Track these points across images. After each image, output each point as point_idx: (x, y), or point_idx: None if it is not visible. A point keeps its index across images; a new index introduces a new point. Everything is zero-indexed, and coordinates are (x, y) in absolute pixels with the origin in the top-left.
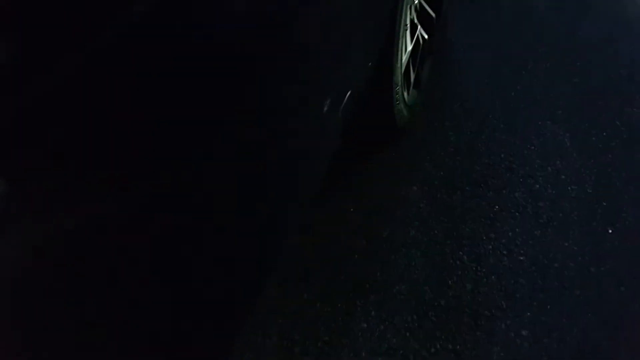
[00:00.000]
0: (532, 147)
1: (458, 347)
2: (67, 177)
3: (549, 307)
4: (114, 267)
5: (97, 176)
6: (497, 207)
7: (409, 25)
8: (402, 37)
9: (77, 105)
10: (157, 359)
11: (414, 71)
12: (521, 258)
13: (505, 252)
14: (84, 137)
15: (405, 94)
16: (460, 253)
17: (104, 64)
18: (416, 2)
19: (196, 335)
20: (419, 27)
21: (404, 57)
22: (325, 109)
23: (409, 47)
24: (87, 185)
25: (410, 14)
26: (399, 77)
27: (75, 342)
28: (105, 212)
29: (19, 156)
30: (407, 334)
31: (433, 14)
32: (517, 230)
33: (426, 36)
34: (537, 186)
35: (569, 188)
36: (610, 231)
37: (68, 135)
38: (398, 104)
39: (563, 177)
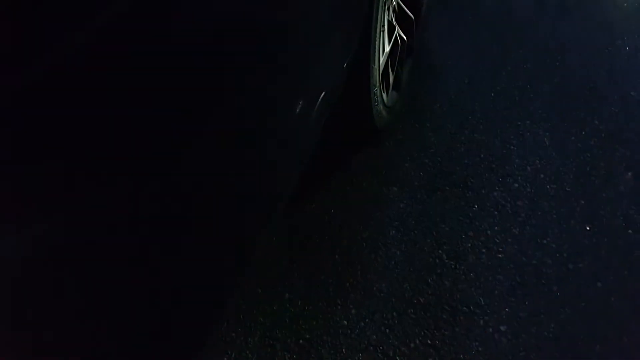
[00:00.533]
0: (512, 147)
1: (437, 342)
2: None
3: (527, 303)
4: (89, 267)
5: (72, 173)
6: (476, 206)
7: (386, 27)
8: (379, 38)
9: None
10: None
11: (392, 72)
12: (500, 256)
13: (484, 250)
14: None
15: (384, 95)
16: (440, 252)
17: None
18: (394, 3)
19: (176, 334)
20: (397, 28)
21: (382, 58)
22: (298, 109)
23: (387, 48)
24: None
25: (388, 15)
26: (376, 78)
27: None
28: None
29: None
30: (387, 331)
31: (412, 16)
32: (495, 228)
33: (405, 38)
34: (516, 185)
35: (548, 187)
36: (587, 228)
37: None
38: (377, 105)
39: (542, 176)
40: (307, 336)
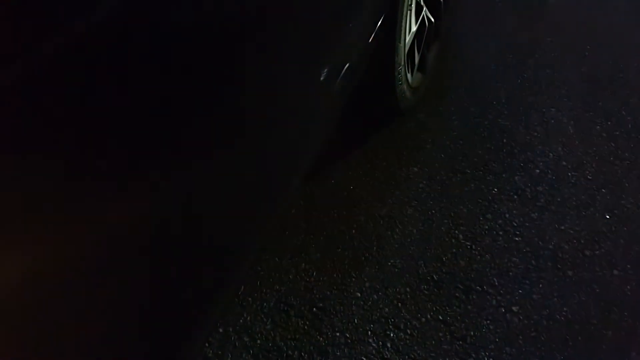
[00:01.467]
0: (535, 134)
1: (448, 318)
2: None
3: (540, 285)
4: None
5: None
6: (495, 190)
7: (414, 7)
8: (406, 16)
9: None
10: (155, 317)
11: (418, 53)
12: (516, 239)
13: (501, 233)
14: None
15: (409, 75)
16: (456, 232)
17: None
18: None
19: (193, 294)
20: (425, 9)
21: (408, 38)
22: (322, 77)
23: (414, 28)
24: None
25: None
26: (402, 57)
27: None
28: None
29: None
30: (399, 305)
31: None
32: (514, 212)
33: (433, 19)
34: (537, 171)
35: (569, 174)
36: (607, 217)
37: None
38: (401, 84)
39: (564, 163)
40: (321, 305)
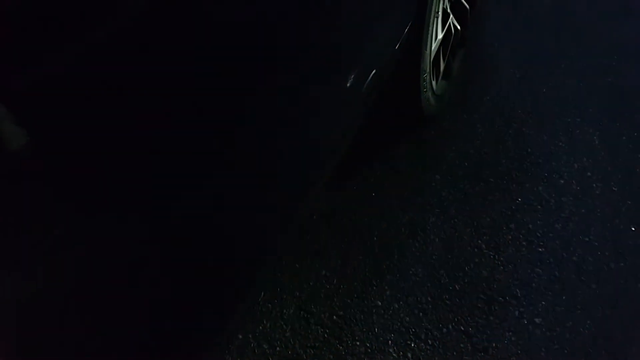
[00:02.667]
0: (560, 144)
1: (470, 329)
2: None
3: (564, 298)
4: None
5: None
6: (519, 199)
7: (440, 14)
8: (432, 24)
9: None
10: (174, 325)
11: (444, 61)
12: (540, 250)
13: (524, 243)
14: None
15: (434, 82)
16: (479, 241)
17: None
18: None
19: (214, 301)
20: (451, 17)
21: (434, 45)
22: (349, 83)
23: (440, 36)
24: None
25: (443, 3)
26: (427, 64)
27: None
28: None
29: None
30: (420, 314)
31: (467, 6)
32: (538, 222)
33: (459, 27)
34: (562, 182)
35: (594, 185)
36: (633, 229)
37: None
38: (425, 91)
39: (589, 174)
40: (341, 313)
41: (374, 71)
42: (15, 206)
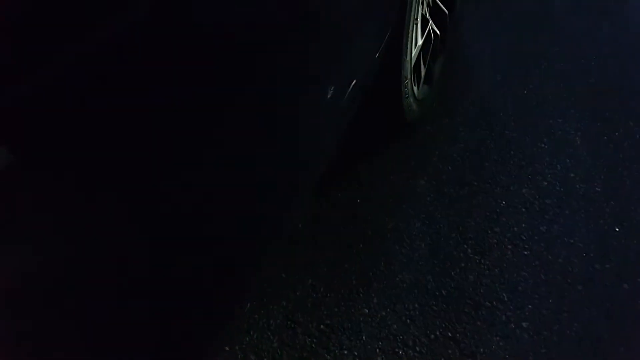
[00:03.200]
0: (542, 145)
1: (458, 335)
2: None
3: (550, 301)
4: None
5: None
6: (504, 202)
7: (419, 20)
8: (412, 31)
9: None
10: (161, 338)
11: (424, 66)
12: (525, 252)
13: (509, 247)
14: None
15: (415, 88)
16: (465, 246)
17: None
18: None
19: (199, 314)
20: (431, 22)
21: (414, 52)
22: (329, 95)
23: (420, 42)
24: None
25: (422, 8)
26: (408, 70)
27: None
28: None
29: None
30: (408, 321)
31: (446, 10)
32: (522, 225)
33: (438, 32)
34: (545, 183)
35: (578, 186)
36: (617, 229)
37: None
38: (407, 97)
39: (572, 175)
40: (328, 322)
41: (354, 81)
42: (17, 205)
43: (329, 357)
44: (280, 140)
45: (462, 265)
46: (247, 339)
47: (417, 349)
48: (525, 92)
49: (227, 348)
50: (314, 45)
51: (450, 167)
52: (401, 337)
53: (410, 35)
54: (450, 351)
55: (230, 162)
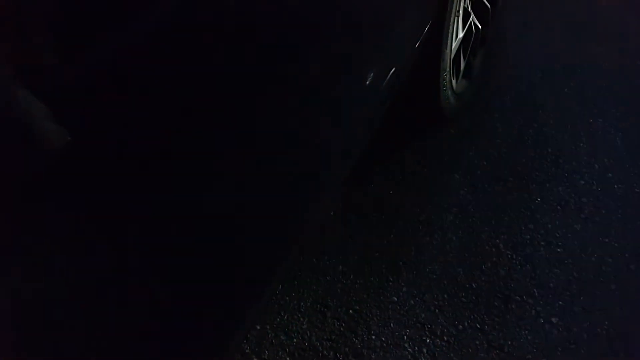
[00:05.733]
0: (581, 144)
1: (486, 327)
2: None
3: (582, 298)
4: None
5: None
6: (539, 199)
7: (461, 13)
8: (453, 23)
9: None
10: (195, 315)
11: (464, 60)
12: (558, 250)
13: (542, 243)
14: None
15: (454, 81)
16: (497, 241)
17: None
18: None
19: (233, 293)
20: (472, 15)
21: (454, 44)
22: (368, 81)
23: (460, 35)
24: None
25: (464, 2)
26: (447, 63)
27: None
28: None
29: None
30: (436, 311)
31: (489, 5)
32: (557, 223)
33: (480, 26)
34: (582, 182)
35: (616, 186)
36: None
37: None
38: (445, 90)
39: (610, 175)
40: (357, 307)
41: (393, 69)
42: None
43: (356, 341)
44: (316, 122)
45: (494, 259)
46: (278, 319)
47: (445, 338)
48: (566, 90)
49: (258, 327)
50: (355, 29)
51: (485, 162)
52: (429, 326)
53: (451, 27)
54: (477, 342)
55: (268, 147)
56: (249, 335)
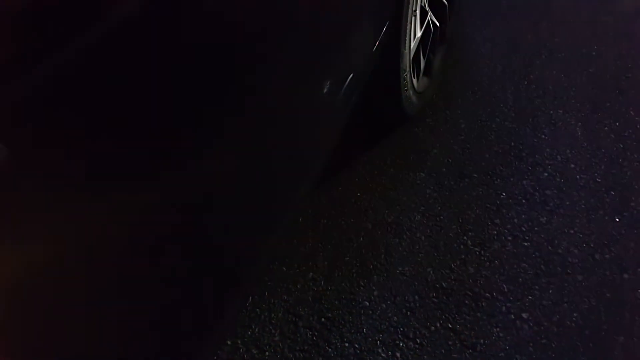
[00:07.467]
0: (543, 136)
1: (458, 326)
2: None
3: (550, 291)
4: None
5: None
6: (504, 194)
7: (418, 12)
8: (411, 22)
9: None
10: (161, 333)
11: (424, 58)
12: (525, 244)
13: (509, 238)
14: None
15: (415, 80)
16: (465, 238)
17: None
18: None
19: (201, 308)
20: (430, 13)
21: (413, 44)
22: (326, 89)
23: (419, 34)
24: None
25: (421, 1)
26: (407, 62)
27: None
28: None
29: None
30: (408, 313)
31: (445, 2)
32: (522, 217)
33: (438, 24)
34: (546, 174)
35: (578, 177)
36: (617, 220)
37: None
38: (406, 90)
39: (572, 166)
40: (329, 315)
41: (351, 75)
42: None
43: (330, 349)
44: (276, 135)
45: (462, 257)
46: (249, 332)
47: (418, 340)
48: (526, 82)
49: (229, 342)
50: (308, 39)
51: (450, 160)
52: (402, 329)
53: (408, 27)
54: (450, 342)
55: (226, 157)
56: (219, 352)
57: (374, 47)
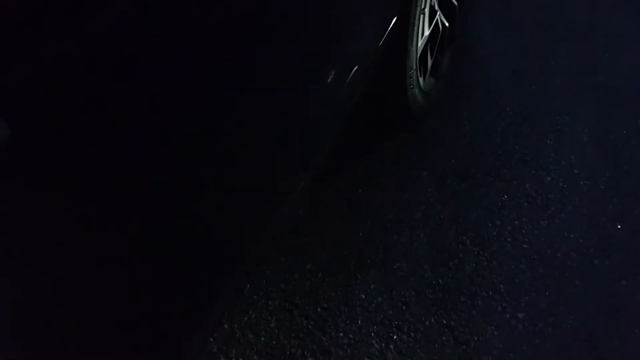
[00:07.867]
0: (548, 141)
1: (452, 323)
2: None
3: (547, 294)
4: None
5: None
6: (505, 196)
7: (427, 11)
8: (419, 21)
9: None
10: (160, 319)
11: (431, 57)
12: (525, 246)
13: (509, 240)
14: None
15: (421, 79)
16: (464, 237)
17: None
18: None
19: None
20: (439, 13)
21: (420, 42)
22: (330, 79)
23: (427, 32)
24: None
25: (430, 0)
26: (413, 61)
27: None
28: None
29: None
30: (404, 308)
31: (456, 3)
32: (523, 219)
33: (447, 24)
34: (549, 179)
35: (582, 183)
36: (619, 227)
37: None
38: (412, 88)
39: (576, 171)
40: (325, 305)
41: (355, 67)
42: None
43: (324, 338)
44: (278, 122)
45: (461, 256)
46: (246, 318)
47: (412, 334)
48: (534, 87)
49: (226, 326)
50: (315, 26)
51: (453, 160)
52: (396, 322)
53: (416, 25)
54: (444, 338)
55: (228, 147)
56: (216, 335)
57: (380, 42)
